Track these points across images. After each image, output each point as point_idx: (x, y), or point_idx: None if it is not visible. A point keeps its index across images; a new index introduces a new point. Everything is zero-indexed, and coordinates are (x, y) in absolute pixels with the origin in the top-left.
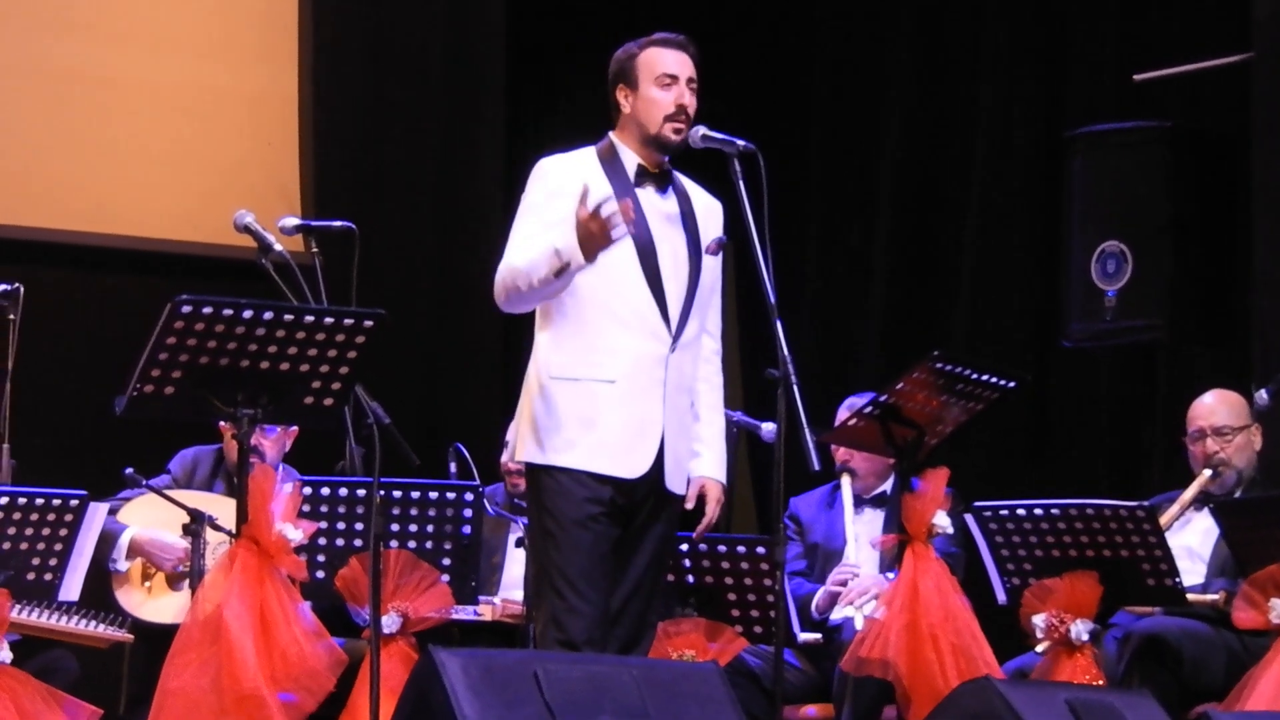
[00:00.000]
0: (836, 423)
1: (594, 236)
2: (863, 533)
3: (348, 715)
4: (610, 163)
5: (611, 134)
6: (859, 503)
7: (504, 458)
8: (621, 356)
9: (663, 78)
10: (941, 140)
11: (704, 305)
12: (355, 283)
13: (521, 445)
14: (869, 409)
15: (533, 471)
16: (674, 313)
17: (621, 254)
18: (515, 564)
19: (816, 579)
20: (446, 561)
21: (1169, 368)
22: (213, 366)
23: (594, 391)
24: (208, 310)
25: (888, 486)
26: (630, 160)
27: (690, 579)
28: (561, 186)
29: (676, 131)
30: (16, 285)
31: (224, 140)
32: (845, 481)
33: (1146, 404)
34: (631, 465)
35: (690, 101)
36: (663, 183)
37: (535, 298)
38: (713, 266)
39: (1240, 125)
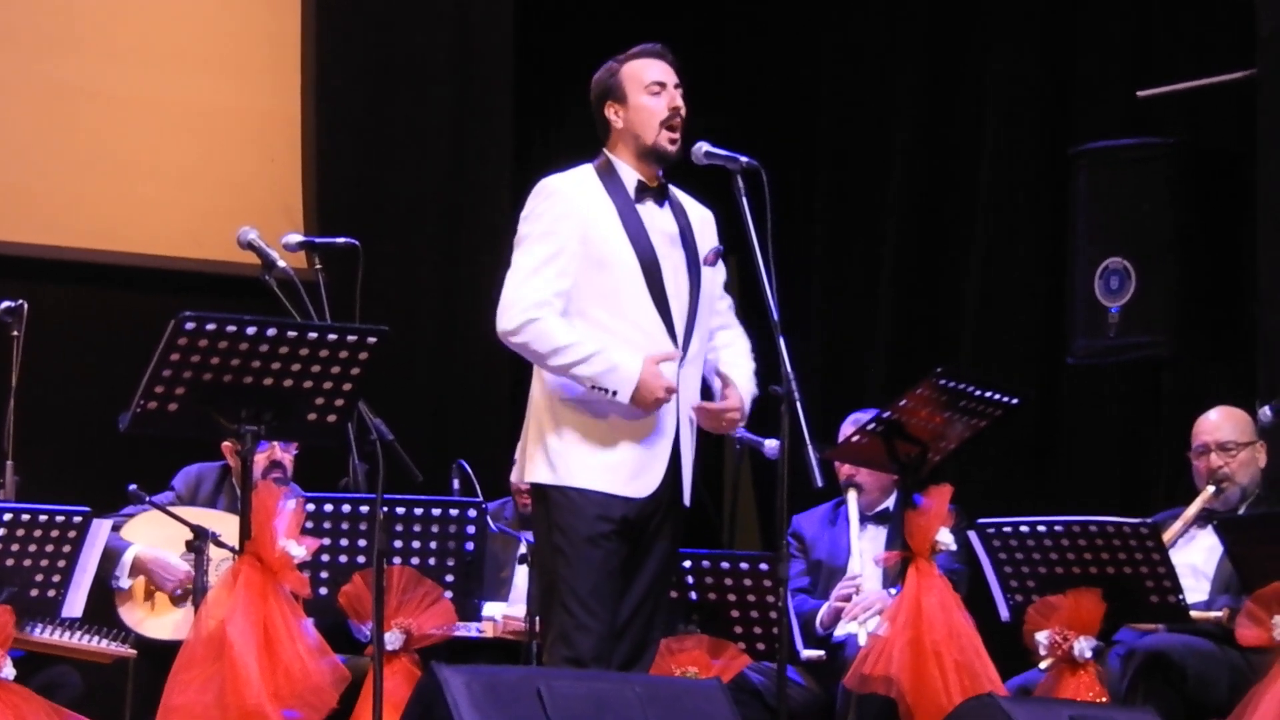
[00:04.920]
0: (840, 439)
1: (648, 403)
2: (866, 549)
3: None
4: (610, 179)
5: (607, 151)
6: (862, 519)
7: (513, 477)
8: None
9: (652, 85)
10: (947, 156)
11: (707, 317)
12: (359, 299)
13: (531, 467)
14: (873, 425)
15: (543, 490)
16: (680, 329)
17: (627, 274)
18: (522, 579)
19: (819, 596)
20: (450, 578)
21: (1173, 384)
22: (216, 383)
23: (605, 412)
24: (211, 327)
25: (891, 503)
26: (629, 176)
27: (693, 595)
28: (569, 209)
29: (672, 141)
30: (20, 302)
31: (228, 157)
32: (851, 497)
33: (1151, 420)
34: (644, 484)
35: (681, 104)
36: (660, 197)
37: (547, 369)
38: (712, 276)
39: (1245, 141)
